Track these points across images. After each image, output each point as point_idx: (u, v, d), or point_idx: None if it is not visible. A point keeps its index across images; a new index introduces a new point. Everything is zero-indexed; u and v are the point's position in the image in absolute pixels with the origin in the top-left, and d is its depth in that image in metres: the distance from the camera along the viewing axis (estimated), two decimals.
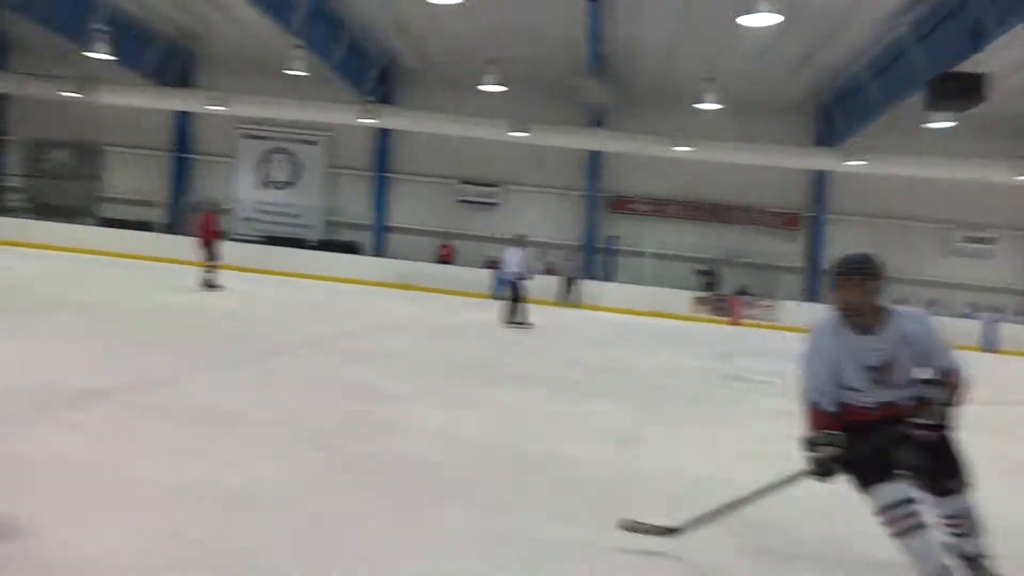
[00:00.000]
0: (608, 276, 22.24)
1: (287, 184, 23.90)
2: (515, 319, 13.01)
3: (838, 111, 19.78)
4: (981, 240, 21.65)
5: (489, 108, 20.63)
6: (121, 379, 5.65)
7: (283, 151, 23.90)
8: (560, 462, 4.63)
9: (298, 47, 15.91)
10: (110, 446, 4.07)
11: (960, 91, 13.04)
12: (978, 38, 12.02)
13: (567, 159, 22.60)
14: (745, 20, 10.87)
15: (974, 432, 3.49)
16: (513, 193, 23.14)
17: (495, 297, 17.89)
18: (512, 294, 13.24)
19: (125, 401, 4.99)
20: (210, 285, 13.15)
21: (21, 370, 5.56)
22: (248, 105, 21.42)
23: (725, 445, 5.61)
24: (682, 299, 20.69)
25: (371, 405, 5.69)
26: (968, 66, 12.83)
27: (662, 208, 22.82)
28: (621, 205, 23.02)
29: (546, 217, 22.88)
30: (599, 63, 16.69)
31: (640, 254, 22.34)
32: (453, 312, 15.47)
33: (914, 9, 13.71)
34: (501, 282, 15.84)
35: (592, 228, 22.68)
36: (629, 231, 22.77)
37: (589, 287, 20.56)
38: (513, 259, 13.14)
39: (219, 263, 13.45)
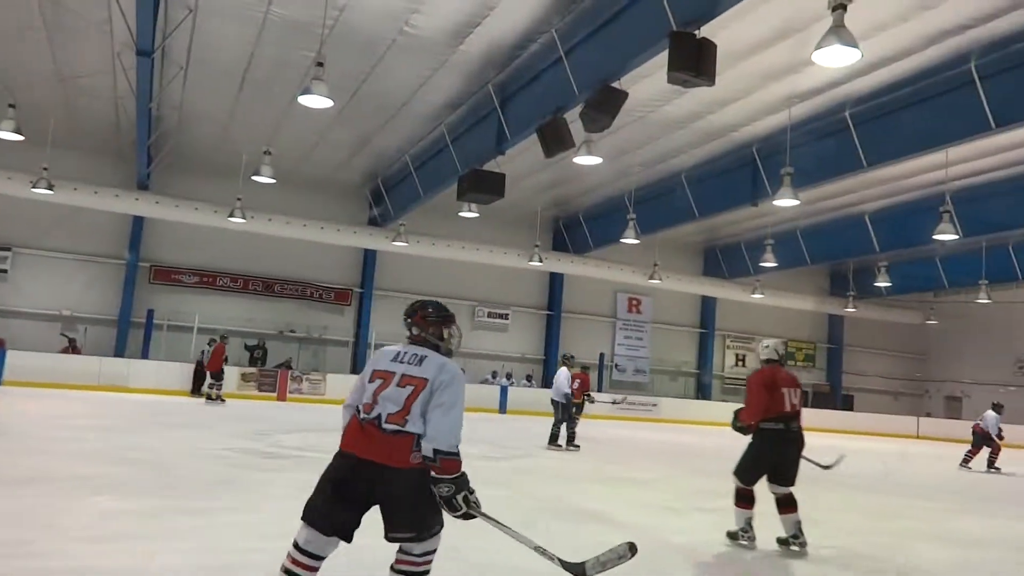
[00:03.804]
0: (144, 353, 20.21)
1: None
2: None
3: (389, 195, 21.01)
4: (500, 315, 25.14)
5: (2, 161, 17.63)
6: None
7: None
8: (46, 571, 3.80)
9: None
10: None
11: (484, 186, 14.79)
12: (500, 143, 13.87)
13: (102, 222, 20.21)
14: (303, 100, 10.88)
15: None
16: (27, 257, 19.88)
17: None
18: None
19: None
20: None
21: None
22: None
23: (253, 528, 5.24)
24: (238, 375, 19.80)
25: None
26: (492, 166, 14.69)
27: (212, 280, 21.68)
28: (165, 276, 21.26)
29: (68, 287, 20.09)
30: (148, 122, 15.27)
31: (186, 329, 20.72)
32: None
33: (453, 111, 15.32)
34: None
35: (129, 300, 20.47)
36: (173, 304, 21.04)
37: (115, 366, 18.70)
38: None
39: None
